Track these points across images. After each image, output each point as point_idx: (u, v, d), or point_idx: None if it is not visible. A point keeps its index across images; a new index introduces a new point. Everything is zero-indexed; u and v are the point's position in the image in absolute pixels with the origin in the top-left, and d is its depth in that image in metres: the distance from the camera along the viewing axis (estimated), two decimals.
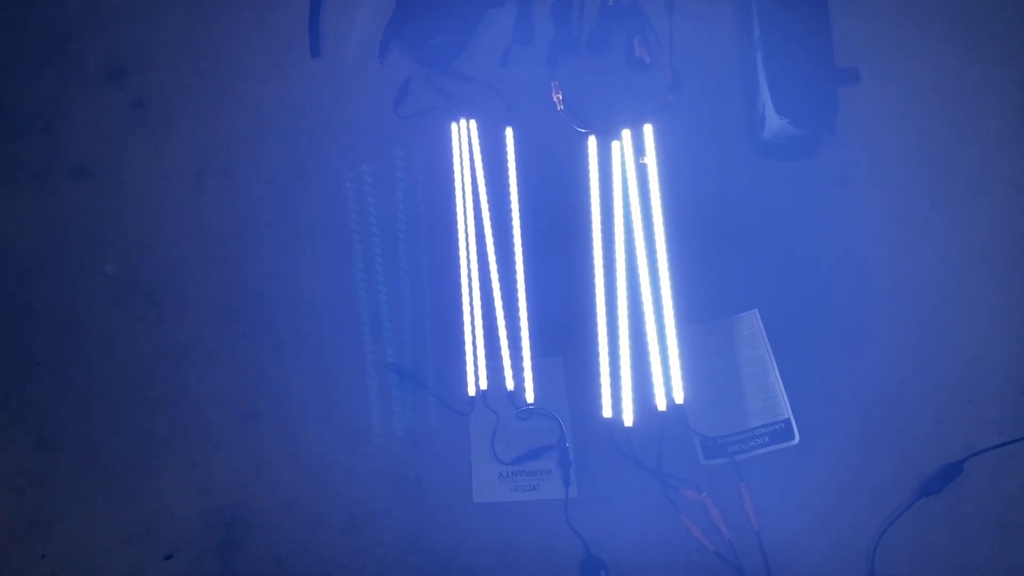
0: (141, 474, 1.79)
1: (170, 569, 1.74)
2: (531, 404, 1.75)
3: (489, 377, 1.77)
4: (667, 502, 1.69)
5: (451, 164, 1.90)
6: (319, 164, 1.96)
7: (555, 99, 1.93)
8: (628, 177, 1.83)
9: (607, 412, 1.71)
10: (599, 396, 1.72)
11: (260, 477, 1.78)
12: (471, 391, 1.77)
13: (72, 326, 1.88)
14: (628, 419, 1.69)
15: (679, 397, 1.68)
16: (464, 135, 1.91)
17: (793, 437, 1.70)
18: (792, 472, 1.69)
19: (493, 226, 1.86)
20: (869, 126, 1.90)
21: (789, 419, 1.71)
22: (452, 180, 1.89)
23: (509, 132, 1.91)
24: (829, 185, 1.87)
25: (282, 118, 2.00)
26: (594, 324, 1.75)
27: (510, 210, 1.85)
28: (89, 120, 2.03)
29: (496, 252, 1.83)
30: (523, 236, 1.83)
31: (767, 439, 1.71)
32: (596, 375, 1.73)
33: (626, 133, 1.86)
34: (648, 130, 1.84)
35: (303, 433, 1.79)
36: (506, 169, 1.88)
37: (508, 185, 1.87)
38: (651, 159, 1.82)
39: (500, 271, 1.82)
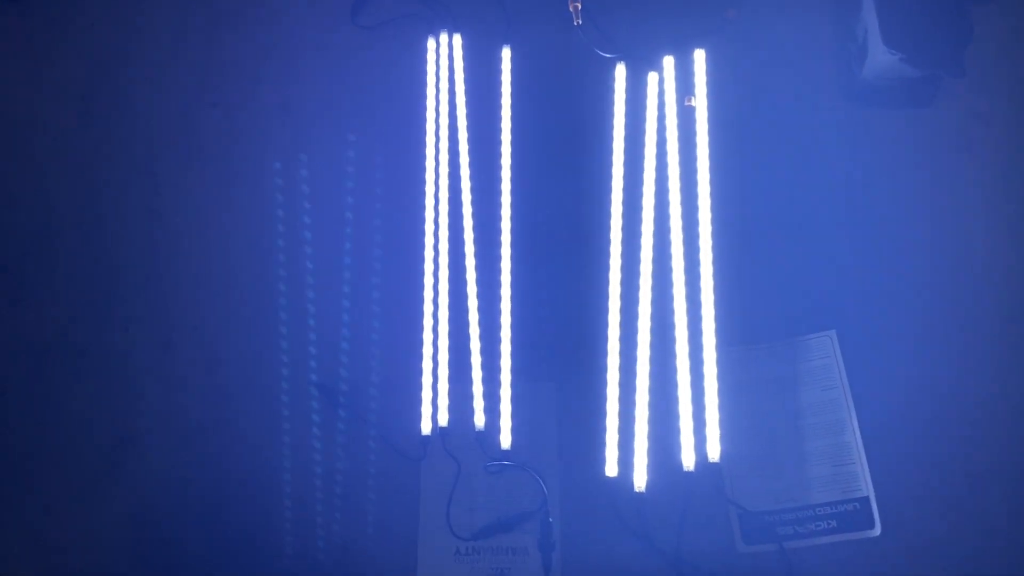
0: None
1: None
2: (507, 452, 1.57)
3: (452, 408, 1.58)
4: None
5: (423, 94, 1.73)
6: (245, 90, 1.80)
7: (572, 9, 1.74)
8: (667, 123, 1.67)
9: (611, 469, 1.54)
10: (602, 444, 1.54)
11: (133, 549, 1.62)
12: (425, 428, 1.59)
13: None
14: (640, 481, 1.52)
15: (714, 452, 1.51)
16: (444, 54, 1.76)
17: (873, 525, 1.50)
18: (868, 574, 1.51)
19: (474, 186, 1.67)
20: (1010, 68, 1.70)
21: (868, 498, 1.51)
22: (423, 116, 1.72)
23: (506, 53, 1.74)
24: (947, 148, 1.68)
25: (200, 28, 1.83)
26: (603, 339, 1.57)
27: (499, 165, 1.67)
28: None
29: (475, 225, 1.66)
30: (514, 204, 1.65)
31: (835, 523, 1.51)
32: (600, 414, 1.55)
33: (668, 61, 1.69)
34: (699, 58, 1.68)
35: (192, 470, 1.64)
36: (498, 105, 1.71)
37: (499, 128, 1.69)
38: (701, 100, 1.66)
39: (479, 254, 1.64)
